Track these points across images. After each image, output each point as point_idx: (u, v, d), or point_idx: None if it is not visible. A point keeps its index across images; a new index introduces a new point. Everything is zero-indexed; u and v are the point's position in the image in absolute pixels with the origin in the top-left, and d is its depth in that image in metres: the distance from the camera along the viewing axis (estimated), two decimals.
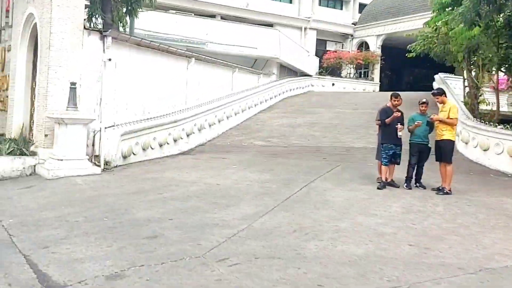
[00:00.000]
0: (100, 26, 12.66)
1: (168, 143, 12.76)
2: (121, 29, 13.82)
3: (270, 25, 27.34)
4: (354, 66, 30.27)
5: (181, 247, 5.41)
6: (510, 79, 19.85)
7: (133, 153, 11.36)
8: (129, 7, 13.74)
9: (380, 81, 30.71)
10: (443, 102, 9.54)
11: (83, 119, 10.18)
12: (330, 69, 29.65)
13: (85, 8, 11.94)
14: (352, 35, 31.98)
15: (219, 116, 16.05)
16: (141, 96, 12.90)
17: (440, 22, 16.61)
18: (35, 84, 11.96)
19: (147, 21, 17.39)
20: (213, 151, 13.67)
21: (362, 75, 31.06)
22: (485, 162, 11.80)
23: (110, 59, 11.41)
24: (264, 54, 23.99)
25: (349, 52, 30.55)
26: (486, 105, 17.55)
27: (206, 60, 16.40)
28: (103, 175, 9.81)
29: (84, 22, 11.41)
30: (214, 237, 5.80)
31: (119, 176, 9.82)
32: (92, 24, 12.74)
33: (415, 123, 9.33)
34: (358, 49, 31.48)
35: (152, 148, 12.08)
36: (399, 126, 9.39)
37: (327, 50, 30.94)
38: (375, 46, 30.46)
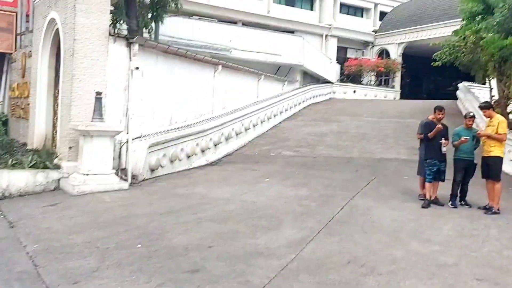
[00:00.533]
0: (125, 32, 12.23)
1: (195, 154, 12.27)
2: (146, 35, 13.40)
3: (291, 32, 26.81)
4: (375, 73, 29.66)
5: (228, 285, 4.85)
6: None
7: (161, 166, 10.86)
8: (154, 13, 13.33)
9: (400, 89, 30.00)
10: (490, 116, 8.96)
11: (110, 131, 9.69)
12: (352, 76, 29.04)
13: (110, 13, 11.55)
14: (372, 43, 31.30)
15: (245, 125, 15.55)
16: (168, 105, 12.40)
17: (469, 30, 16.03)
18: (58, 92, 11.54)
19: (170, 27, 17.00)
20: (241, 162, 13.16)
21: (383, 83, 30.39)
22: None
23: (137, 68, 10.92)
24: (288, 61, 23.43)
25: (369, 59, 29.92)
26: None
27: (232, 67, 15.89)
28: (131, 191, 9.28)
29: (109, 28, 10.99)
30: (262, 271, 5.22)
31: (147, 191, 9.30)
32: (116, 30, 12.33)
33: (462, 138, 8.76)
34: (378, 56, 30.84)
35: (179, 160, 11.58)
36: (443, 141, 8.84)
37: (348, 58, 30.32)
38: (395, 54, 29.78)
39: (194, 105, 13.62)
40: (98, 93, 10.03)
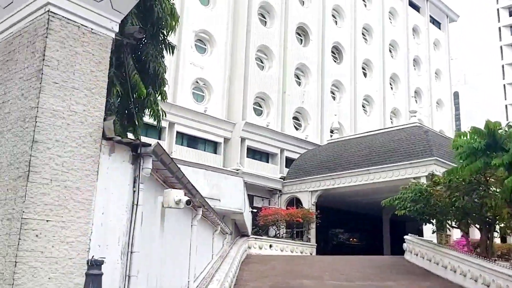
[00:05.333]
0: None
1: None
2: None
3: None
4: (285, 225, 26.40)
5: None
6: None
7: None
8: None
9: (316, 242, 27.00)
10: None
11: None
12: (266, 228, 25.23)
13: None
14: (280, 191, 28.67)
15: None
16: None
17: (466, 169, 14.14)
18: None
19: None
20: None
21: (295, 235, 27.09)
22: None
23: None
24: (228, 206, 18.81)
25: (282, 209, 26.82)
26: None
27: None
28: None
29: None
30: None
31: None
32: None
33: None
34: (288, 205, 28.02)
35: None
36: None
37: (255, 206, 26.84)
38: (308, 203, 27.32)
39: None
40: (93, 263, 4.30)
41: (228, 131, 28.70)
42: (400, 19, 46.30)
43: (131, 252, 5.54)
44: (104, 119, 5.62)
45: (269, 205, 28.15)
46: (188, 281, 9.55)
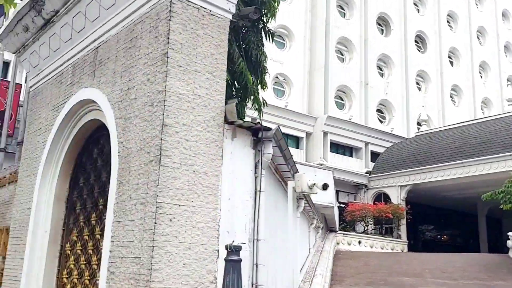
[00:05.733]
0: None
1: None
2: None
3: None
4: (373, 221, 25.47)
5: None
6: None
7: None
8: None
9: (407, 239, 25.81)
10: None
11: None
12: (353, 224, 24.52)
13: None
14: (366, 185, 27.77)
15: None
16: None
17: None
18: (69, 244, 5.63)
19: None
20: None
21: (383, 232, 26.08)
22: None
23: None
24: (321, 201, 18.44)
25: (370, 204, 25.94)
26: None
27: None
28: None
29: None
30: None
31: None
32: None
33: None
34: (375, 201, 27.06)
35: None
36: None
37: (340, 202, 26.16)
38: (397, 198, 26.19)
39: None
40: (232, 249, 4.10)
41: (310, 125, 28.25)
42: (488, 4, 43.23)
43: (257, 240, 5.34)
44: (225, 103, 5.47)
45: (354, 200, 27.34)
46: (293, 274, 9.29)
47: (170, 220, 4.69)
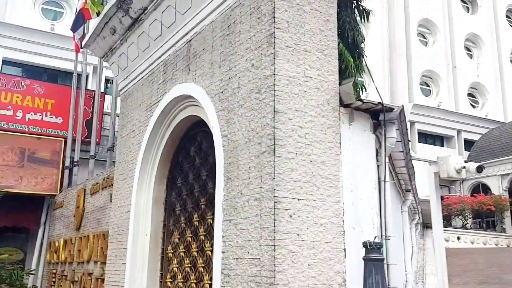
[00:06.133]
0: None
1: None
2: None
3: None
4: (472, 214, 23.56)
5: None
6: None
7: None
8: None
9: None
10: None
11: None
12: (449, 219, 22.85)
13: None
14: None
15: None
16: None
17: None
18: (174, 246, 5.29)
19: None
20: None
21: (484, 225, 24.09)
22: None
23: None
24: None
25: (468, 196, 24.09)
26: None
27: None
28: None
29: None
30: None
31: None
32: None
33: None
34: (472, 193, 25.08)
35: None
36: None
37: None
38: (498, 189, 24.05)
39: None
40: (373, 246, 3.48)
41: None
42: None
43: (386, 236, 4.69)
44: (339, 83, 4.89)
45: (449, 193, 25.52)
46: (406, 274, 8.49)
47: (290, 216, 4.19)
